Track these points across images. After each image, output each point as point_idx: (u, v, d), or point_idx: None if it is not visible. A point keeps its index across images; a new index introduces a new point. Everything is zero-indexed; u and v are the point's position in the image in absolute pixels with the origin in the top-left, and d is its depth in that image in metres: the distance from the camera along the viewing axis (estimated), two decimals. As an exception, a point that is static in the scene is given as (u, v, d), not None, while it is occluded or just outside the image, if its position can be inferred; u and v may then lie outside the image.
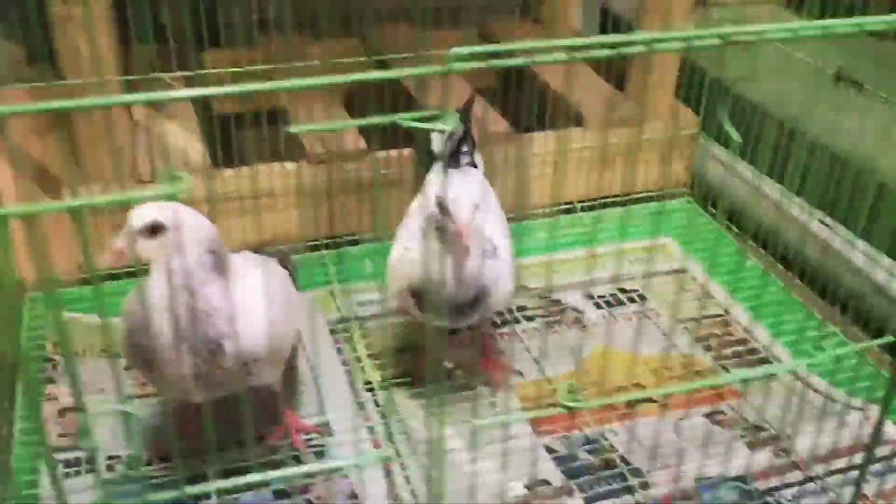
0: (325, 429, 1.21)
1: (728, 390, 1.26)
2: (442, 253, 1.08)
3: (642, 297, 1.48)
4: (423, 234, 1.12)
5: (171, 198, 0.48)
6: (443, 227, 1.07)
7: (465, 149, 1.33)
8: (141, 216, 0.95)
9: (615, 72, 1.71)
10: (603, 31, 1.93)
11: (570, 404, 0.67)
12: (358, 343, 1.36)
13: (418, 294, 1.13)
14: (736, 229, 1.60)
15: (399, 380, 1.29)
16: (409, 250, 1.13)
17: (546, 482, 1.12)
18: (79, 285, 1.43)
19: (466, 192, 1.07)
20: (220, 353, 0.98)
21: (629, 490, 1.11)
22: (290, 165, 1.46)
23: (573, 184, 1.64)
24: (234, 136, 1.40)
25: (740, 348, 1.35)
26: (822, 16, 1.42)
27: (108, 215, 1.34)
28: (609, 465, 1.15)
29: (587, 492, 1.11)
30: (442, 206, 1.06)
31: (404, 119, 0.52)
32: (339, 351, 1.35)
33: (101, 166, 1.38)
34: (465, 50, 0.50)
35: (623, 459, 1.16)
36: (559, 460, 1.16)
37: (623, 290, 1.49)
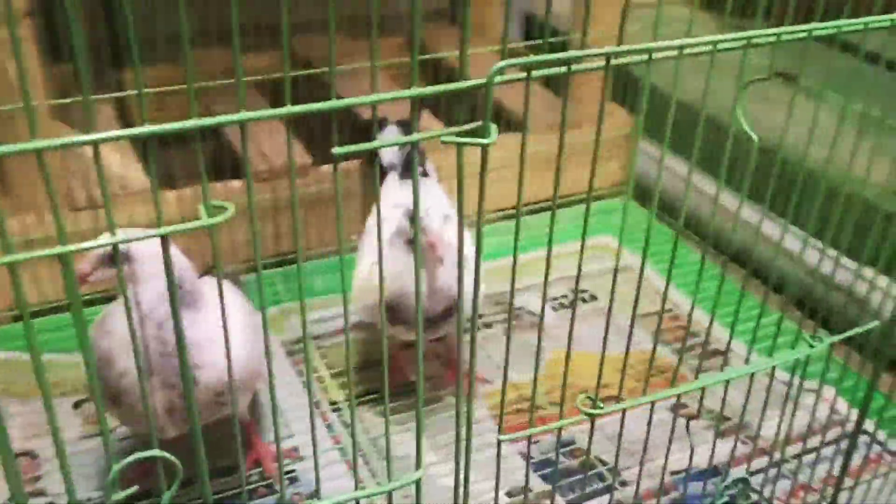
0: (294, 453, 1.17)
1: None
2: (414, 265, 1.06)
3: (594, 297, 1.50)
4: (391, 248, 1.11)
5: (210, 228, 0.45)
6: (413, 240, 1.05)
7: (415, 158, 1.32)
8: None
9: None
10: (528, 36, 1.95)
11: (592, 411, 0.67)
12: (317, 362, 1.33)
13: (390, 308, 1.11)
14: (674, 222, 1.64)
15: (365, 397, 1.26)
16: (377, 265, 1.11)
17: (527, 489, 1.12)
18: (11, 322, 1.35)
19: (435, 203, 1.06)
20: (195, 383, 0.94)
21: (608, 489, 1.12)
22: (235, 184, 1.41)
23: (513, 189, 1.65)
24: (173, 155, 1.34)
25: (695, 340, 1.38)
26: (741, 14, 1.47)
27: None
28: (586, 466, 1.16)
29: (568, 495, 1.12)
30: (412, 219, 1.04)
31: (443, 134, 0.51)
32: (300, 372, 1.31)
33: (32, 195, 1.31)
34: (506, 63, 0.49)
35: (599, 460, 1.17)
36: (536, 466, 1.16)
37: (574, 291, 1.51)
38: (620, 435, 0.77)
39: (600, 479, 1.14)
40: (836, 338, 0.76)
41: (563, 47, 1.66)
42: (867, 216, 0.91)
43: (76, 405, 1.23)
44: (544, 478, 1.14)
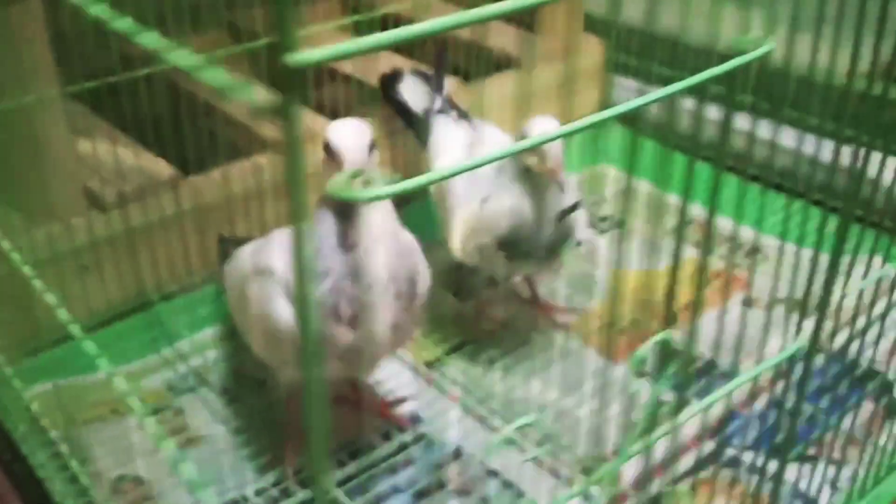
0: (410, 421, 1.12)
1: (740, 277, 1.36)
2: (533, 195, 1.05)
3: (621, 222, 1.53)
4: (498, 181, 1.07)
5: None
6: (530, 168, 1.03)
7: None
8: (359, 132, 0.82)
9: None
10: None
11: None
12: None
13: (508, 244, 1.08)
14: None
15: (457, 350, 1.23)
16: (488, 201, 1.07)
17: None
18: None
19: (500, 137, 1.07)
20: (414, 293, 0.87)
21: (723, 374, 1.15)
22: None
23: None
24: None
25: (731, 242, 1.43)
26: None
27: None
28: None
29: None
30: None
31: None
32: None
33: (45, 201, 1.16)
34: None
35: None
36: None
37: (602, 219, 1.53)
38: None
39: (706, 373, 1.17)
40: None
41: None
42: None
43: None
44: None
